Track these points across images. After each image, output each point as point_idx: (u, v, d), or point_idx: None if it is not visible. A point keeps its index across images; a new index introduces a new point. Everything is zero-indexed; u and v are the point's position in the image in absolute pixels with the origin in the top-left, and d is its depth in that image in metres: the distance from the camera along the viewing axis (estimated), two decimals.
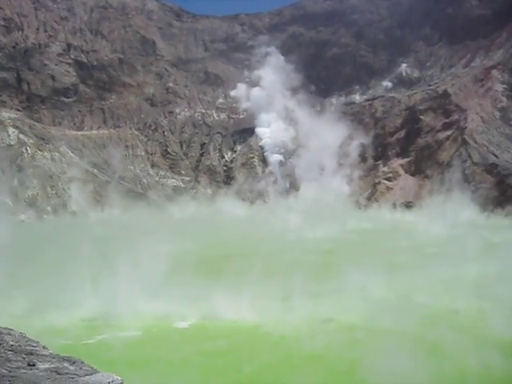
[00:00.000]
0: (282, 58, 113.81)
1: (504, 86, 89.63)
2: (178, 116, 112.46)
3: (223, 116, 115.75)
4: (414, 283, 30.70)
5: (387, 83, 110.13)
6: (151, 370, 19.31)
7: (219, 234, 58.57)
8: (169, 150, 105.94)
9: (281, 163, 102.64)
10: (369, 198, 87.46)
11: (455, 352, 20.00)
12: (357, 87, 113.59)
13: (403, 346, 19.39)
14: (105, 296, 26.84)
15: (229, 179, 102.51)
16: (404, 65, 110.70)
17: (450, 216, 63.61)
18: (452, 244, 45.98)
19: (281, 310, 25.81)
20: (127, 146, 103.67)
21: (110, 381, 6.19)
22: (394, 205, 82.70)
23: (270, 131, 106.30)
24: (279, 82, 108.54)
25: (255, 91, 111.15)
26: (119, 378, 6.33)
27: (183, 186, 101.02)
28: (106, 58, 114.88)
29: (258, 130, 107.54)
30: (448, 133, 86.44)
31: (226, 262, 37.28)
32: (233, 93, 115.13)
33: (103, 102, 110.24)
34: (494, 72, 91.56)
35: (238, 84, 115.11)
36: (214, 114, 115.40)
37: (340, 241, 54.12)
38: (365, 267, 30.86)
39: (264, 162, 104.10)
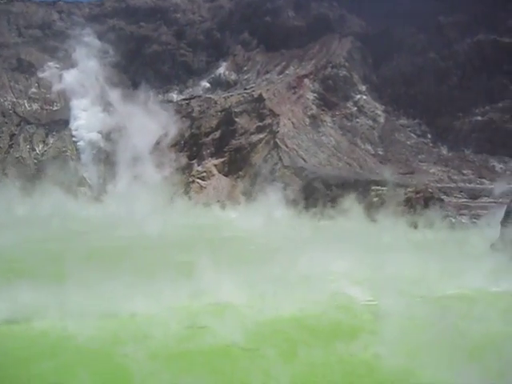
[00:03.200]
0: (99, 46, 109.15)
1: (315, 94, 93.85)
2: None
3: (36, 106, 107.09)
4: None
5: (205, 84, 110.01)
6: None
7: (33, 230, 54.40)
8: None
9: (96, 152, 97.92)
10: (182, 196, 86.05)
11: None
12: (175, 86, 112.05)
13: None
14: None
15: (39, 172, 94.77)
16: (222, 67, 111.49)
17: (263, 216, 65.10)
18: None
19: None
20: None
21: None
22: (207, 204, 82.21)
23: (85, 118, 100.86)
24: (96, 69, 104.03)
25: (69, 74, 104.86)
26: None
27: None
28: None
29: (73, 115, 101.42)
30: (261, 136, 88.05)
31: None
32: (41, 74, 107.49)
33: None
34: (306, 81, 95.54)
35: (50, 63, 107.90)
36: (26, 104, 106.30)
37: (177, 236, 53.24)
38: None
39: (77, 154, 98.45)
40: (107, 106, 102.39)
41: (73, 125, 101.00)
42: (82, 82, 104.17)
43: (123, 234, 53.41)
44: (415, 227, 63.93)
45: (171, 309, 26.05)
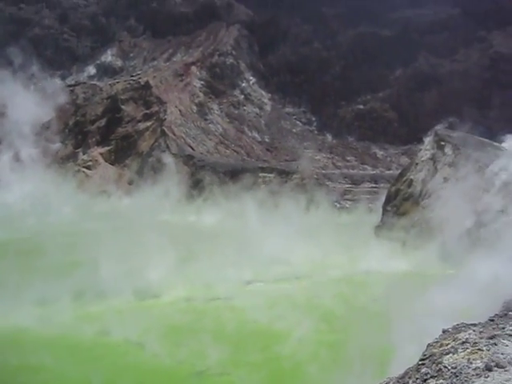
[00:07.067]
0: None
1: (202, 82, 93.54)
2: None
3: None
4: None
5: (90, 70, 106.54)
6: None
7: None
8: None
9: None
10: (68, 186, 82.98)
11: None
12: (58, 71, 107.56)
13: None
14: None
15: None
16: (108, 53, 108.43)
17: (155, 203, 64.77)
18: None
19: None
20: None
21: None
22: (95, 192, 79.93)
23: None
24: None
25: None
26: None
27: None
28: None
29: None
30: (148, 123, 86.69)
31: None
32: None
33: None
34: (193, 68, 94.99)
35: None
36: None
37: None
38: None
39: None
40: None
41: None
42: None
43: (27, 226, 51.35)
44: (303, 211, 65.43)
45: None
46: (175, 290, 30.65)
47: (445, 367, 7.40)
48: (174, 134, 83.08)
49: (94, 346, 22.51)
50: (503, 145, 46.92)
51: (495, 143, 47.34)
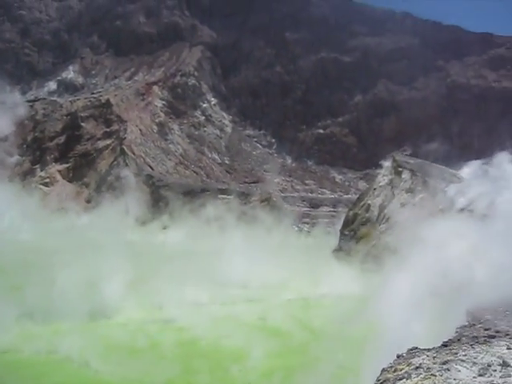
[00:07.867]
0: None
1: (163, 102, 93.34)
2: None
3: None
4: None
5: (51, 86, 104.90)
6: None
7: None
8: None
9: None
10: (24, 202, 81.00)
11: None
12: (18, 86, 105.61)
13: None
14: None
15: None
16: (69, 69, 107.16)
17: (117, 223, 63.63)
18: None
19: None
20: None
21: None
22: (53, 209, 78.30)
23: None
24: None
25: None
26: None
27: None
28: None
29: None
30: (108, 142, 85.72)
31: None
32: None
33: None
34: (155, 88, 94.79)
35: None
36: None
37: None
38: None
39: None
40: None
41: None
42: None
43: None
44: (261, 234, 65.09)
45: None
46: (128, 312, 30.17)
47: None
48: (134, 153, 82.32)
49: (36, 363, 21.69)
50: (460, 172, 47.77)
51: (452, 170, 48.22)
